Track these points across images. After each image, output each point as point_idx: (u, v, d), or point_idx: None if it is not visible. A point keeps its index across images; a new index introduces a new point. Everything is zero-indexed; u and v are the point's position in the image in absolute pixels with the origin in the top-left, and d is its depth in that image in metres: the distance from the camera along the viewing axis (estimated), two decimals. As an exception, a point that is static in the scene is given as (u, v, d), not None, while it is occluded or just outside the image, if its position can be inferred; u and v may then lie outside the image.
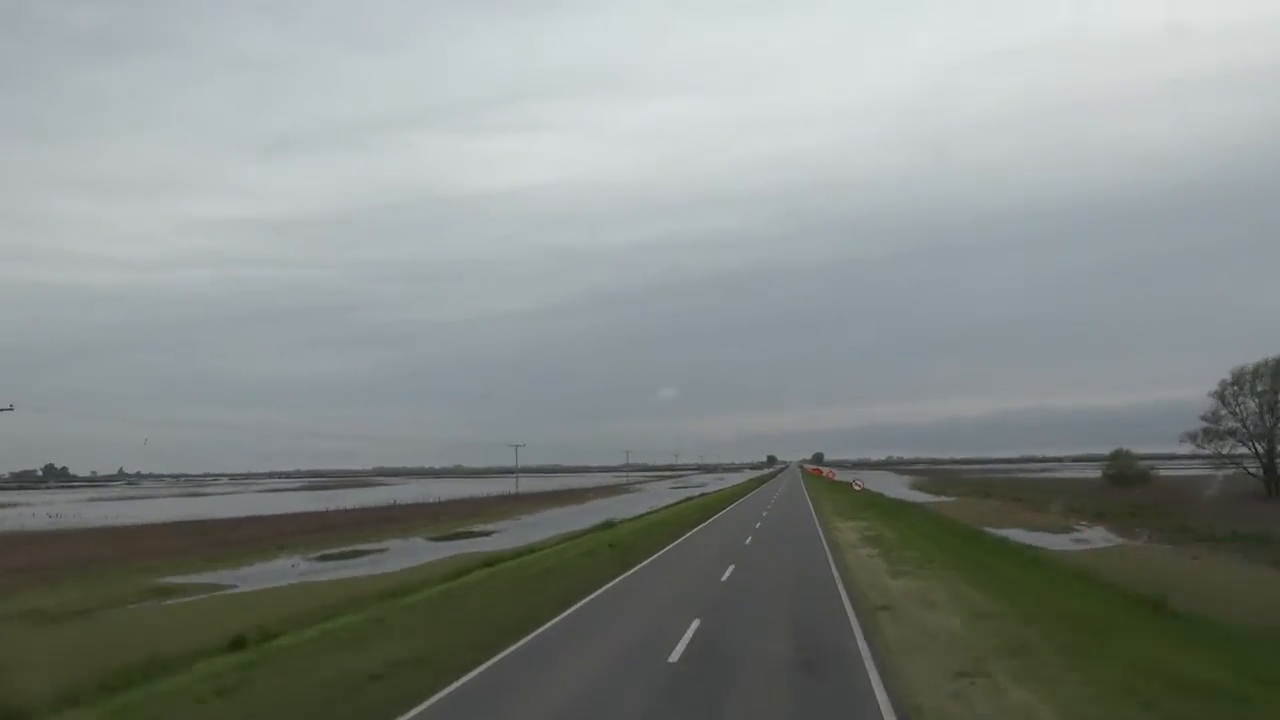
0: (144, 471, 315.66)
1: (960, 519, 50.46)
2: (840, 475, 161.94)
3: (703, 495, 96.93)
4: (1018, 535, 41.61)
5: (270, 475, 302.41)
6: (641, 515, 58.04)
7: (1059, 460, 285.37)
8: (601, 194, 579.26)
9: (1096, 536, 44.32)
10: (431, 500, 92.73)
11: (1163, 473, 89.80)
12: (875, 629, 15.11)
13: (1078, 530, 47.55)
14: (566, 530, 48.12)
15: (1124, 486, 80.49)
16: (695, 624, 15.62)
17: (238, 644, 16.31)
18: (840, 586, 20.64)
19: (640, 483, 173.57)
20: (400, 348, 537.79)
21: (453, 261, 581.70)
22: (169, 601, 27.15)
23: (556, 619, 16.86)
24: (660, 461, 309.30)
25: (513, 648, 14.06)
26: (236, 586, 30.60)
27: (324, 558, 40.17)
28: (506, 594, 20.95)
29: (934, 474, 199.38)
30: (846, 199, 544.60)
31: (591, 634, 15.35)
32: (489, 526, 59.51)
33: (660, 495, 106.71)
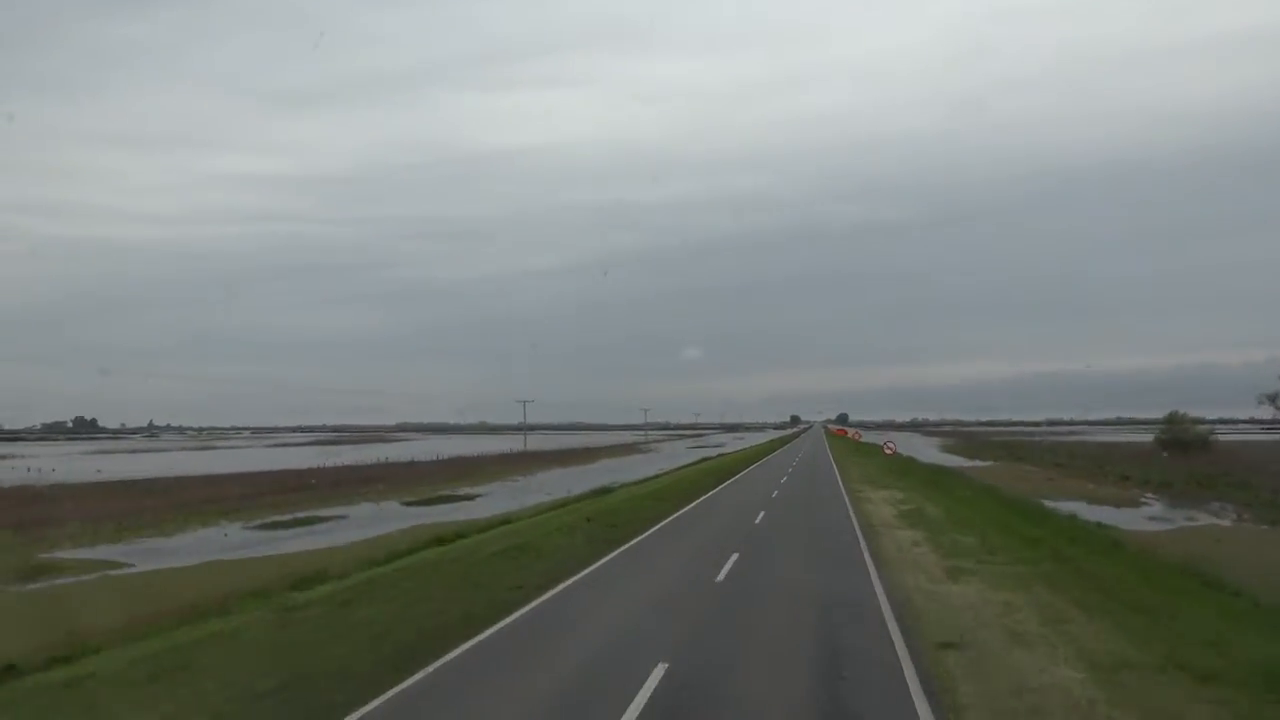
0: (172, 424, 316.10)
1: (1007, 488, 44.38)
2: (866, 436, 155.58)
3: (720, 456, 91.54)
4: (1078, 509, 35.49)
5: (294, 429, 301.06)
6: (646, 479, 52.55)
7: (1091, 424, 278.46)
8: (627, 152, 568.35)
9: (1171, 512, 38.06)
10: (427, 458, 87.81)
11: (1222, 437, 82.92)
12: (947, 694, 9.24)
13: (1146, 504, 41.28)
14: (559, 495, 42.76)
15: (1179, 452, 73.73)
16: (660, 672, 9.94)
17: (9, 670, 11.83)
18: (880, 595, 14.79)
19: (658, 442, 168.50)
20: (427, 304, 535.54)
21: (479, 218, 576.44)
22: (33, 585, 21.95)
23: (469, 644, 11.65)
24: (683, 420, 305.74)
25: (372, 704, 8.85)
26: (134, 565, 25.34)
27: (270, 525, 34.96)
28: (437, 590, 15.76)
29: (962, 436, 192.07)
30: (873, 158, 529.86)
31: (501, 677, 9.83)
32: (477, 489, 54.23)
33: (674, 456, 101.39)
